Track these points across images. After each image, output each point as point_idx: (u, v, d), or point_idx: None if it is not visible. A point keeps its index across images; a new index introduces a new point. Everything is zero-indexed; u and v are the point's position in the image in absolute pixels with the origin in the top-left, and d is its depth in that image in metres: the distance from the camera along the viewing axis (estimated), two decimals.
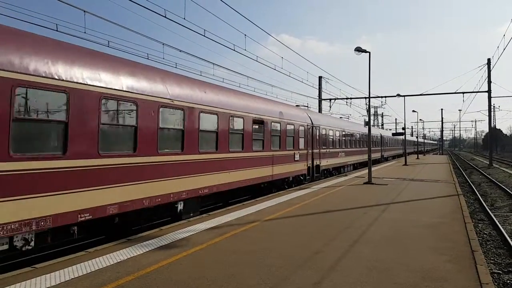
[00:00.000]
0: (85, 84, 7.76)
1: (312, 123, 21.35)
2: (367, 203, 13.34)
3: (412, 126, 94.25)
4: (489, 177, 28.94)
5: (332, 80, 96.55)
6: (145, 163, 9.22)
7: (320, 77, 40.88)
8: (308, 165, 20.51)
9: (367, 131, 24.14)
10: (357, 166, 32.63)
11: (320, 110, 39.92)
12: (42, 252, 8.30)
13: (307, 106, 31.25)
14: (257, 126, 15.07)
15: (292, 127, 18.33)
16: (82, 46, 8.86)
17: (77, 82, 7.58)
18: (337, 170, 27.21)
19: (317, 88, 40.54)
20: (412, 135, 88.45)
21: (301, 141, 19.55)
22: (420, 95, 42.04)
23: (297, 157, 18.86)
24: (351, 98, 41.46)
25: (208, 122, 11.87)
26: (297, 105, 26.30)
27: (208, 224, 9.72)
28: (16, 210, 6.45)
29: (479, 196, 18.45)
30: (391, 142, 53.07)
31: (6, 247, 6.50)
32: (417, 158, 54.99)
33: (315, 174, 21.61)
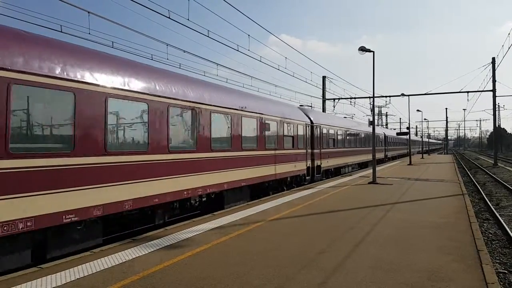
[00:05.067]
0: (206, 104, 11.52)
1: (385, 134, 44.72)
2: (372, 203, 13.31)
3: (416, 126, 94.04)
4: (494, 176, 28.75)
5: (336, 80, 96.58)
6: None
7: (323, 77, 40.75)
8: (384, 155, 44.40)
9: (412, 138, 55.74)
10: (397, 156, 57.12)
11: (324, 110, 39.83)
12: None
13: (311, 106, 31.25)
14: (362, 135, 32.99)
15: (379, 137, 39.99)
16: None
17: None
18: (398, 157, 54.30)
19: (321, 88, 40.47)
20: (416, 134, 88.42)
21: (381, 143, 42.02)
22: (425, 94, 41.81)
23: (381, 150, 40.71)
24: (355, 98, 41.36)
25: (351, 136, 29.24)
26: (300, 105, 26.42)
27: (213, 224, 9.74)
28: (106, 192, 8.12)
29: (484, 196, 18.34)
30: (413, 142, 72.10)
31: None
32: (422, 157, 54.84)
33: (385, 159, 44.47)
